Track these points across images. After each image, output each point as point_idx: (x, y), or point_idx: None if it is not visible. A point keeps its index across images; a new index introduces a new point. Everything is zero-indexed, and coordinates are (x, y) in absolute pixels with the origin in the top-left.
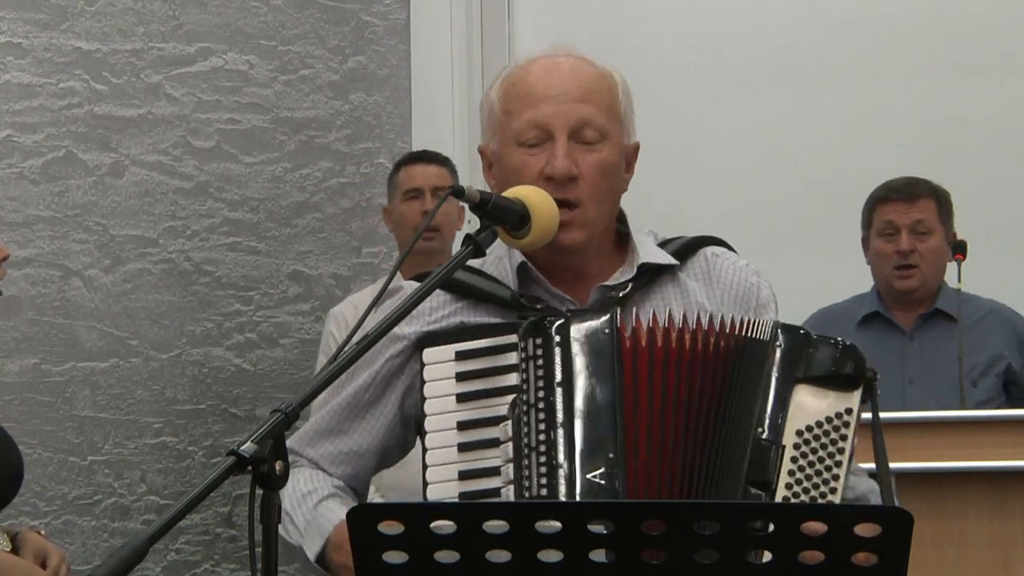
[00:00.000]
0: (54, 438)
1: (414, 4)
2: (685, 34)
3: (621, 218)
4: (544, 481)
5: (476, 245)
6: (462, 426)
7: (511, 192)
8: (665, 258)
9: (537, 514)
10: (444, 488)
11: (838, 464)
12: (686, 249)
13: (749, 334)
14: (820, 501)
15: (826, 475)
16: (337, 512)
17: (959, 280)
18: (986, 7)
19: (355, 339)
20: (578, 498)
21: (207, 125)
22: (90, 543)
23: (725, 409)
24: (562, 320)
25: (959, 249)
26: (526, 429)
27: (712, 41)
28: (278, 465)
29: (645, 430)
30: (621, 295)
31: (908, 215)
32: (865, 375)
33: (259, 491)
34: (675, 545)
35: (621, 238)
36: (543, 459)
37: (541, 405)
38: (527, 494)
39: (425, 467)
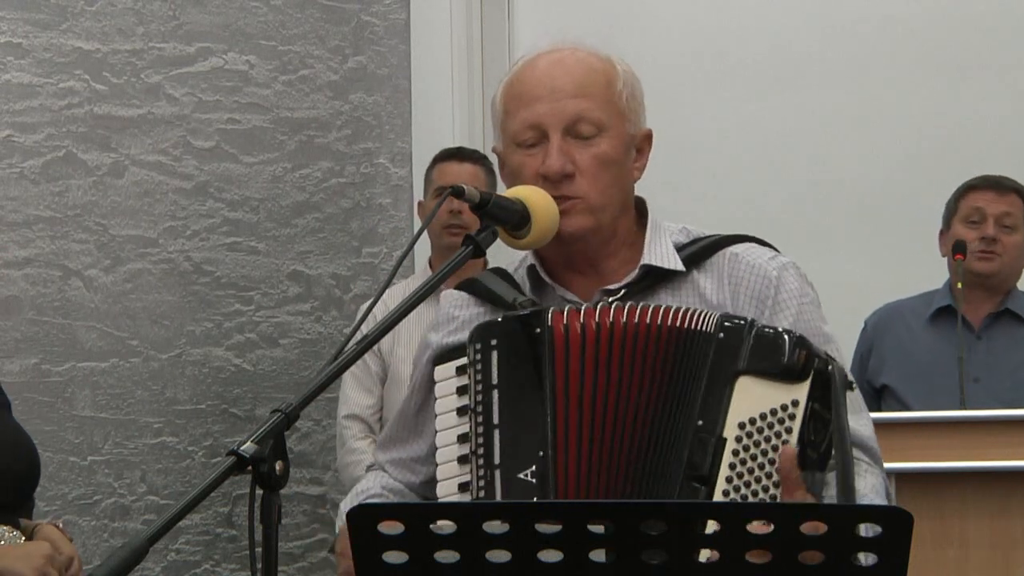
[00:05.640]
0: (54, 438)
1: (414, 4)
2: (686, 34)
3: (643, 212)
4: (482, 483)
5: (476, 245)
6: (461, 439)
7: (511, 192)
8: (672, 261)
9: (537, 514)
10: (451, 501)
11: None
12: (707, 249)
13: (690, 326)
14: (762, 496)
15: (769, 468)
16: None
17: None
18: (986, 8)
19: (354, 340)
20: (507, 498)
21: (207, 125)
22: (90, 543)
23: (662, 402)
24: (499, 321)
25: (959, 249)
26: (471, 434)
27: (712, 41)
28: (278, 465)
29: (575, 427)
30: (614, 300)
31: (997, 205)
32: (814, 366)
33: (259, 491)
34: (675, 545)
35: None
36: (482, 461)
37: (480, 409)
38: (470, 497)
39: (436, 482)
